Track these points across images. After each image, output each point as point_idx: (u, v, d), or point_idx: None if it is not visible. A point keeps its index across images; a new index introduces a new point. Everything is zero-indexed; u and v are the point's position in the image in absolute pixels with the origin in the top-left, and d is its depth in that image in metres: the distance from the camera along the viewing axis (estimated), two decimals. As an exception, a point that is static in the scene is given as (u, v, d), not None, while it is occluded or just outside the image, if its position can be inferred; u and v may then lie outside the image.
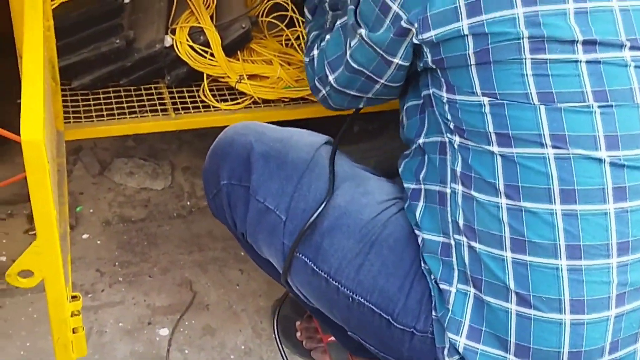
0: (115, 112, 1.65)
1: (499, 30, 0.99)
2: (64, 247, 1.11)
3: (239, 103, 1.70)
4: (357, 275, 1.16)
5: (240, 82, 1.68)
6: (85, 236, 1.78)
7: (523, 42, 0.99)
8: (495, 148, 1.02)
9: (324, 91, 1.28)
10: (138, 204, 1.88)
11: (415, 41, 1.06)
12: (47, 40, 1.38)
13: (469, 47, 1.01)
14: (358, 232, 1.17)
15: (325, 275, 1.19)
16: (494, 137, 1.02)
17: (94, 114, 1.63)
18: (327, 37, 1.24)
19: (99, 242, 1.77)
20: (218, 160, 1.31)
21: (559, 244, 0.99)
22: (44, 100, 0.95)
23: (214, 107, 1.69)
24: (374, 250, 1.16)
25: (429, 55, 1.06)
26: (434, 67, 1.07)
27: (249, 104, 1.71)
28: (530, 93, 0.99)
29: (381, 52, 1.11)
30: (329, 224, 1.19)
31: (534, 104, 0.99)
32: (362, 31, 1.11)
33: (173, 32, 1.67)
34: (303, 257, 1.21)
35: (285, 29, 1.79)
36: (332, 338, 1.53)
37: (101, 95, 1.68)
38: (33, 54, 1.00)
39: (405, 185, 1.19)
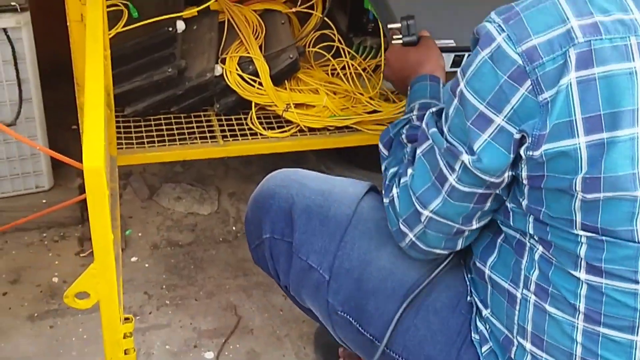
0: (166, 138, 1.70)
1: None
2: (117, 270, 1.14)
3: (285, 131, 1.74)
4: (403, 340, 1.15)
5: (287, 110, 1.72)
6: (134, 259, 1.82)
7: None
8: (582, 275, 0.95)
9: (412, 234, 1.08)
10: (185, 228, 1.92)
11: (522, 154, 0.92)
12: (104, 69, 1.44)
13: (580, 169, 0.89)
14: (403, 295, 1.15)
15: (371, 337, 1.18)
16: (583, 265, 0.95)
17: (145, 140, 1.68)
18: (410, 171, 1.07)
19: (147, 265, 1.81)
20: (260, 212, 1.29)
21: None
22: (104, 128, 0.99)
23: (261, 134, 1.74)
24: (420, 315, 1.13)
25: (524, 169, 0.94)
26: (524, 182, 0.95)
27: (295, 132, 1.75)
28: (637, 232, 0.92)
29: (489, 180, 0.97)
30: (374, 286, 1.17)
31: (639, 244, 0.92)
32: (465, 157, 0.95)
33: (223, 61, 1.73)
34: (348, 316, 1.20)
35: (331, 59, 1.83)
36: (375, 364, 1.54)
37: (152, 122, 1.73)
38: (94, 84, 1.05)
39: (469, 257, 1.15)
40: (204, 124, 1.75)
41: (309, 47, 1.83)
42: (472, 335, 1.11)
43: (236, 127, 1.75)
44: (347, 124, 1.75)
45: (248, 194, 2.01)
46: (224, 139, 1.72)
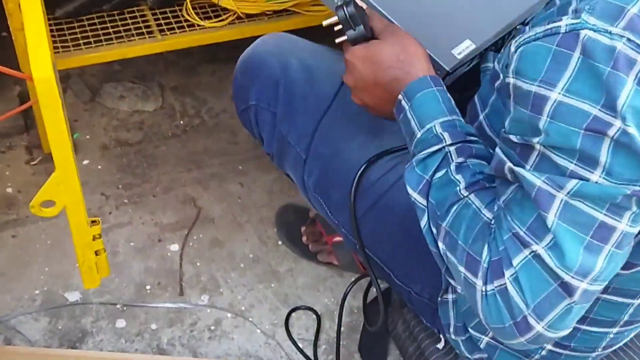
0: (102, 38, 1.67)
1: None
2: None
3: (223, 19, 1.72)
4: (364, 228, 1.17)
5: (223, -2, 1.69)
6: (85, 162, 1.82)
7: None
8: None
9: (544, 322, 0.83)
10: (132, 126, 1.92)
11: None
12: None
13: None
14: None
15: (336, 223, 1.23)
16: None
17: (81, 41, 1.65)
18: (542, 244, 0.81)
19: (99, 167, 1.82)
20: (248, 78, 1.29)
21: None
22: (46, 37, 0.98)
23: (198, 25, 1.72)
24: (377, 211, 1.15)
25: None
26: None
27: (233, 19, 1.73)
28: None
29: None
30: (338, 178, 1.19)
31: None
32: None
33: (152, -48, 1.68)
34: (319, 198, 1.23)
35: (262, -61, 1.79)
36: (337, 239, 1.61)
37: (85, 23, 1.69)
38: (30, -9, 1.02)
39: None
40: (139, 20, 1.72)
41: None
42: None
43: (172, 20, 1.72)
44: (285, 7, 1.73)
45: (191, 87, 2.02)
46: (162, 33, 1.69)
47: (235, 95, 1.34)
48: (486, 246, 0.85)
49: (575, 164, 0.79)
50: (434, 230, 0.92)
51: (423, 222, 0.93)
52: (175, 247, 1.67)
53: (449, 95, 0.98)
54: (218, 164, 1.85)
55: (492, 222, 0.87)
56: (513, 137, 0.84)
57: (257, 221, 1.74)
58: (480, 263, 0.85)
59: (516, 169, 0.83)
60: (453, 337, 1.16)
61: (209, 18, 1.73)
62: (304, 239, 1.67)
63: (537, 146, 0.81)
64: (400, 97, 0.98)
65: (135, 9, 1.73)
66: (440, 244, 0.91)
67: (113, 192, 1.76)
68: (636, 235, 0.85)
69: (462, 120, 0.96)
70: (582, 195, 0.79)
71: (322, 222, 1.66)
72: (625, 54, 0.74)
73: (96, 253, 1.19)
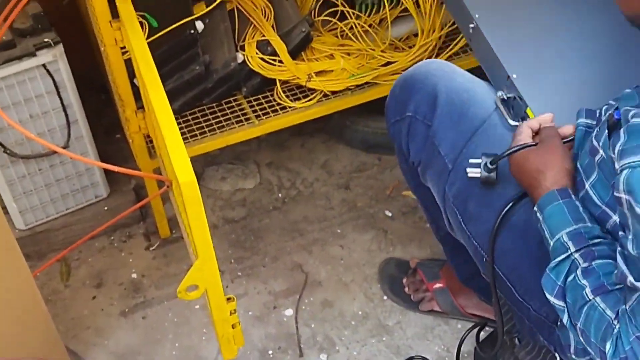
0: (206, 129, 1.84)
1: None
2: (212, 260, 1.30)
3: (311, 99, 1.88)
4: (496, 245, 1.29)
5: (310, 80, 1.86)
6: (198, 242, 1.99)
7: None
8: None
9: None
10: (236, 204, 2.08)
11: None
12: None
13: None
14: (500, 207, 1.28)
15: (469, 234, 1.35)
16: None
17: (188, 135, 1.83)
18: None
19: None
20: (408, 92, 1.44)
21: None
22: (184, 146, 1.15)
23: (289, 107, 1.88)
24: (508, 230, 1.27)
25: None
26: None
27: (320, 98, 1.89)
28: None
29: None
30: (478, 191, 1.32)
31: None
32: None
33: (242, 48, 1.86)
34: (455, 209, 1.36)
35: (338, 22, 1.95)
36: (438, 285, 1.73)
37: (190, 118, 1.87)
38: (163, 109, 1.19)
39: None
40: (236, 109, 1.89)
41: (315, 16, 1.95)
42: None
43: (266, 105, 1.89)
44: (366, 80, 1.89)
45: (284, 161, 2.19)
46: (258, 119, 1.86)
47: (389, 109, 1.49)
48: (610, 343, 0.99)
49: None
50: (574, 327, 1.07)
51: (565, 319, 1.08)
52: (289, 312, 1.81)
53: (576, 203, 1.13)
54: (318, 230, 1.99)
55: (615, 322, 1.00)
56: (631, 249, 0.96)
57: (362, 279, 1.87)
58: (607, 358, 1.00)
59: (637, 284, 0.96)
60: (574, 356, 1.25)
61: (298, 99, 1.89)
62: (406, 289, 1.80)
63: None
64: (535, 209, 1.17)
65: (231, 99, 1.91)
66: (580, 339, 1.07)
67: (227, 267, 1.92)
68: None
69: (588, 224, 1.10)
70: None
71: (423, 270, 1.78)
72: None
73: (232, 326, 1.34)
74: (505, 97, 1.33)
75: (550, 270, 1.10)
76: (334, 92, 1.90)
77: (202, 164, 2.18)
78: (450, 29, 1.93)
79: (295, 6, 1.94)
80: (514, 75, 1.31)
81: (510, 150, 1.24)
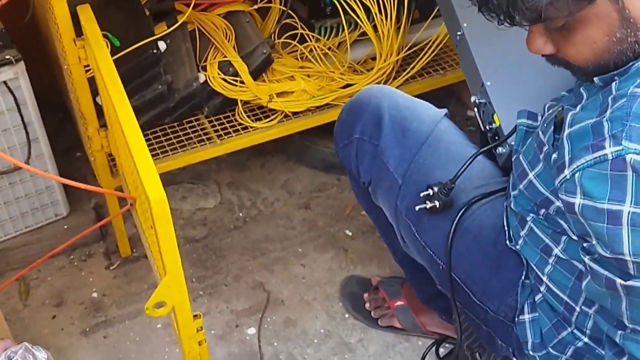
0: (168, 148, 1.85)
1: None
2: (179, 277, 1.31)
3: (272, 119, 1.91)
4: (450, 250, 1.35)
5: (271, 100, 1.89)
6: (159, 261, 1.99)
7: None
8: None
9: None
10: (197, 223, 2.09)
11: None
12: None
13: None
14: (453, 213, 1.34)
15: (423, 244, 1.40)
16: None
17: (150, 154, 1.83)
18: None
19: (172, 264, 1.98)
20: (354, 116, 1.51)
21: None
22: (152, 162, 1.16)
23: (251, 127, 1.90)
24: (462, 235, 1.33)
25: None
26: None
27: (281, 118, 1.92)
28: None
29: None
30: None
31: None
32: None
33: (204, 68, 1.88)
34: (409, 222, 1.41)
35: (298, 45, 1.99)
36: (399, 303, 1.76)
37: (151, 137, 1.88)
38: (130, 125, 1.21)
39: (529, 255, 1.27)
40: (198, 128, 1.91)
41: (275, 39, 1.98)
42: (524, 280, 1.30)
43: (227, 125, 1.91)
44: (326, 101, 1.92)
45: (244, 181, 2.21)
46: (220, 138, 1.88)
47: (337, 134, 1.55)
48: None
49: None
50: None
51: None
52: (252, 331, 1.82)
53: None
54: (280, 249, 2.01)
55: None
56: (602, 252, 1.00)
57: (323, 298, 1.89)
58: None
59: (626, 283, 1.00)
60: (531, 352, 1.30)
61: (260, 119, 1.91)
62: (367, 305, 1.82)
63: (628, 257, 0.97)
64: None
65: (192, 118, 1.92)
66: None
67: (189, 286, 1.91)
68: None
69: None
70: None
71: (384, 288, 1.81)
72: None
73: (199, 344, 1.34)
74: (477, 101, 1.41)
75: None
76: (294, 113, 1.93)
77: (162, 183, 2.17)
78: (407, 53, 1.98)
79: (255, 28, 1.97)
80: (488, 83, 1.39)
81: (467, 164, 1.31)
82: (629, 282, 0.99)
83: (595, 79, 1.04)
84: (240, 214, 2.12)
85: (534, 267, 1.27)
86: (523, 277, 1.30)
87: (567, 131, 1.03)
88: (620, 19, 0.96)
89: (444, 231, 1.34)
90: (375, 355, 1.76)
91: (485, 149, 1.38)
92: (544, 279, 1.25)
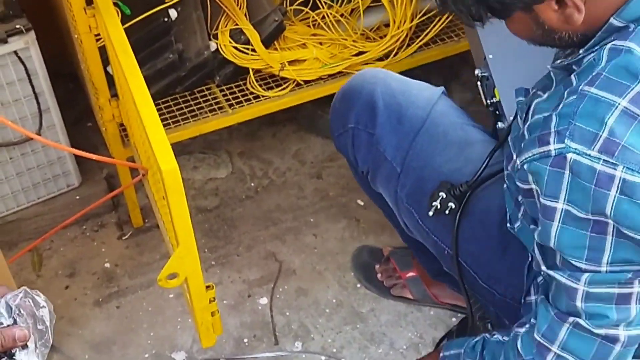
0: (179, 118, 1.84)
1: None
2: (192, 248, 1.31)
3: (284, 88, 1.89)
4: (454, 236, 1.34)
5: (283, 69, 1.87)
6: (171, 231, 1.98)
7: None
8: None
9: None
10: (209, 193, 2.08)
11: None
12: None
13: None
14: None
15: (427, 230, 1.39)
16: None
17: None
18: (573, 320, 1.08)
19: (184, 234, 1.98)
20: (347, 104, 1.46)
21: None
22: (165, 134, 1.15)
23: (263, 96, 1.88)
24: (466, 219, 1.31)
25: None
26: None
27: (293, 87, 1.90)
28: None
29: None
30: (430, 187, 1.34)
31: None
32: None
33: (215, 36, 1.86)
34: (410, 208, 1.39)
35: (310, 12, 1.96)
36: (411, 274, 1.76)
37: (162, 106, 1.87)
38: (142, 97, 1.19)
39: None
40: (209, 97, 1.89)
41: (287, 5, 1.96)
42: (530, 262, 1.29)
43: (239, 94, 1.89)
44: (338, 69, 1.90)
45: (256, 150, 2.19)
46: (231, 107, 1.86)
47: (332, 123, 1.51)
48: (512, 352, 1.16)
49: (585, 263, 1.02)
50: None
51: None
52: (264, 300, 1.82)
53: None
54: (292, 219, 2.00)
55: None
56: (539, 240, 1.07)
57: (335, 268, 1.88)
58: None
59: (547, 271, 1.09)
60: None
61: (271, 88, 1.90)
62: (379, 276, 1.82)
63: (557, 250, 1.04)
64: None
65: (204, 87, 1.91)
66: None
67: (201, 255, 1.88)
68: None
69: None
70: (596, 283, 1.02)
71: (395, 259, 1.80)
72: (604, 172, 0.94)
73: (212, 314, 1.34)
74: (480, 75, 1.39)
75: None
76: (306, 82, 1.91)
77: (174, 154, 2.17)
78: (421, 19, 1.95)
79: (268, -4, 1.94)
80: (490, 56, 1.36)
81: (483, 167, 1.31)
82: (548, 271, 1.08)
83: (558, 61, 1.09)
84: (252, 184, 2.11)
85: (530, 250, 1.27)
86: (530, 259, 1.29)
87: (529, 121, 1.06)
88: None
89: (454, 220, 1.31)
90: (387, 324, 1.76)
91: (498, 145, 1.32)
92: None
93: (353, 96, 1.46)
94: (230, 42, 1.84)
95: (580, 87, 0.98)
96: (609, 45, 0.98)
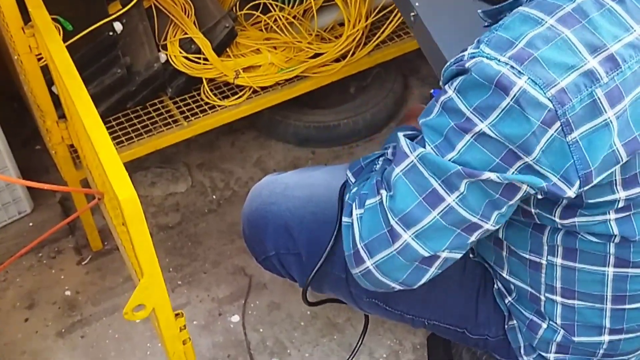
0: (133, 135, 1.76)
1: None
2: (157, 275, 1.23)
3: (240, 96, 1.82)
4: (426, 307, 1.30)
5: (238, 77, 1.80)
6: (133, 253, 1.90)
7: None
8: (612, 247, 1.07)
9: (372, 261, 1.07)
10: (169, 209, 2.00)
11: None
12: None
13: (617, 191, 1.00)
14: None
15: (400, 313, 1.33)
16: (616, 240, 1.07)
17: (114, 142, 1.74)
18: (383, 192, 1.05)
19: (147, 254, 1.90)
20: (257, 232, 1.34)
21: None
22: (117, 155, 1.07)
23: (219, 105, 1.81)
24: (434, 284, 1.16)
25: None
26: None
27: (250, 94, 1.83)
28: None
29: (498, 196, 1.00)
30: None
31: None
32: (491, 175, 0.96)
33: (164, 47, 1.78)
34: (375, 300, 1.31)
35: (261, 15, 1.90)
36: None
37: (114, 123, 1.79)
38: (91, 119, 1.11)
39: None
40: (163, 111, 1.82)
41: (237, 11, 1.89)
42: (495, 287, 1.26)
43: (193, 105, 1.82)
44: (295, 73, 1.84)
45: (215, 161, 2.12)
46: (187, 120, 1.79)
47: (250, 248, 1.39)
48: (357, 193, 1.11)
49: (433, 148, 1.00)
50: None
51: (347, 195, 1.16)
52: (236, 318, 1.75)
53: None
54: (258, 230, 1.93)
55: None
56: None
57: (307, 278, 1.82)
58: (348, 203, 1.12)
59: (399, 133, 1.08)
60: (525, 357, 1.26)
61: (227, 97, 1.83)
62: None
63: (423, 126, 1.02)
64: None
65: (156, 101, 1.83)
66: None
67: (166, 275, 1.84)
68: None
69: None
70: (425, 162, 1.00)
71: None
72: (507, 77, 0.92)
73: (184, 342, 1.27)
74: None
75: (363, 157, 1.22)
76: (263, 88, 1.84)
77: (129, 169, 2.07)
78: (376, 17, 1.90)
79: (216, 1, 1.87)
80: (417, 4, 1.32)
81: None
82: (399, 133, 1.07)
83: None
84: (214, 197, 2.03)
85: (496, 268, 1.24)
86: (497, 286, 1.26)
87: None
88: None
89: (417, 292, 1.17)
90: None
91: None
92: (505, 275, 1.22)
93: (261, 224, 1.33)
94: (180, 52, 1.77)
95: (518, 9, 0.98)
96: None
